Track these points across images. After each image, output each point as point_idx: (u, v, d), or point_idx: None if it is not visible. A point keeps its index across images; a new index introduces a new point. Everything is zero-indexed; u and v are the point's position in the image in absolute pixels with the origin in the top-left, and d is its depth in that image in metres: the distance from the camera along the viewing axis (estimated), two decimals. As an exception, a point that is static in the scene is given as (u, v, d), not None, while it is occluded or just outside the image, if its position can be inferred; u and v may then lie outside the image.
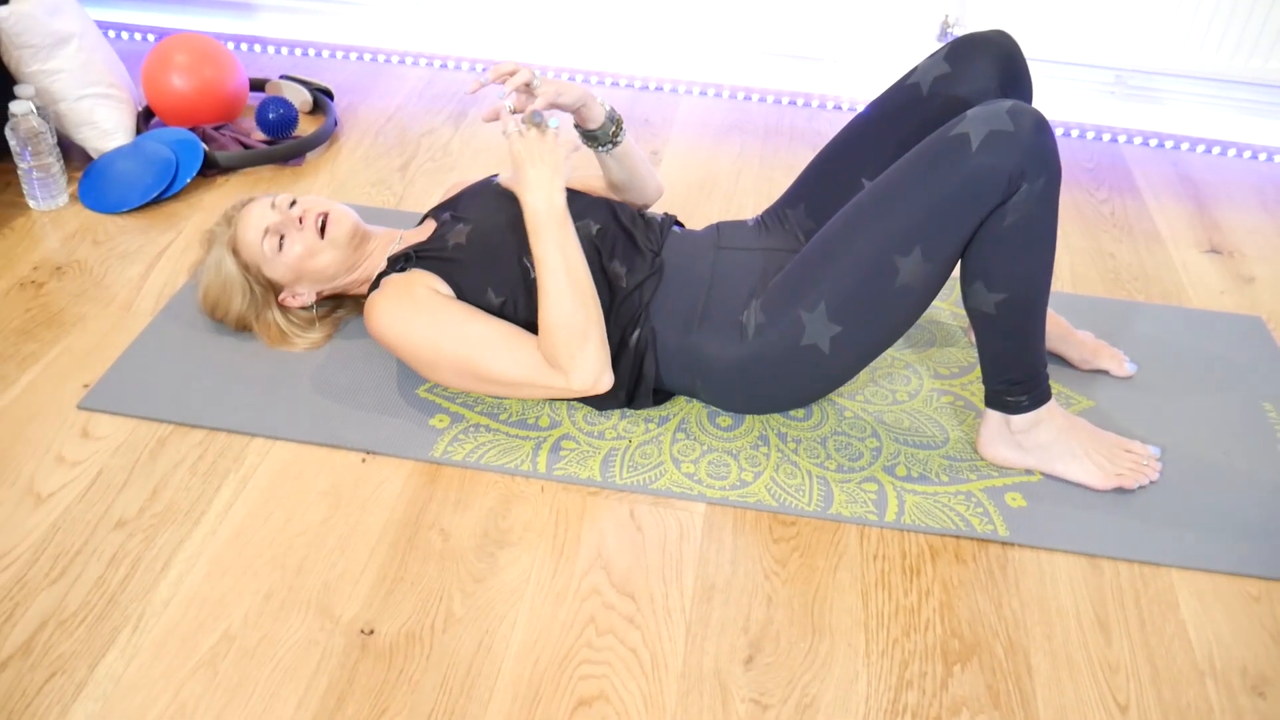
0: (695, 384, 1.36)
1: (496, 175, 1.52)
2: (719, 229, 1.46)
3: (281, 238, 1.40)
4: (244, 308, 1.45)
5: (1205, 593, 1.23)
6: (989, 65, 1.31)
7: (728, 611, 1.18)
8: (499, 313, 1.34)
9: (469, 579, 1.20)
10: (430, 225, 1.49)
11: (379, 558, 1.22)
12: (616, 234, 1.39)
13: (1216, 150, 2.23)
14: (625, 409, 1.43)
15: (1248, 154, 2.22)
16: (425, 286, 1.33)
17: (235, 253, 1.42)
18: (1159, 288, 1.77)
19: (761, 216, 1.48)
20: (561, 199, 1.28)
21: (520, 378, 1.30)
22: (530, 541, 1.25)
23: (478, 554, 1.23)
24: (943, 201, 1.17)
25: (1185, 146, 2.24)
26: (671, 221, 1.48)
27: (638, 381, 1.37)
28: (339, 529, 1.25)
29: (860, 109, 2.01)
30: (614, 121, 1.41)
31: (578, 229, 1.35)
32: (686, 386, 1.38)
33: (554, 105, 1.33)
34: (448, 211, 1.47)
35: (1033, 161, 1.14)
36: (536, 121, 1.30)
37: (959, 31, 2.20)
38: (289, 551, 1.22)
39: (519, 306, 1.34)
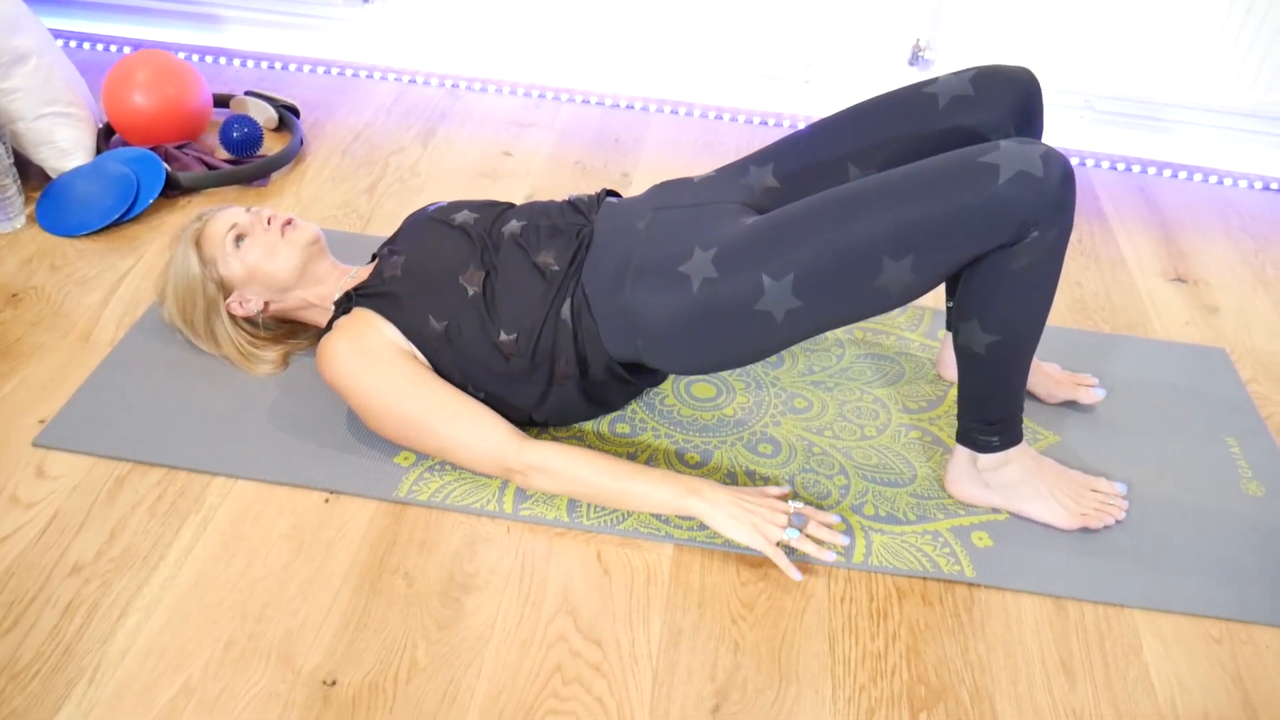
0: (637, 344, 1.32)
1: (432, 204, 1.50)
2: (657, 191, 1.42)
3: (244, 237, 1.43)
4: (201, 309, 1.45)
5: (1168, 635, 1.24)
6: (1010, 100, 1.31)
7: (695, 658, 1.17)
8: (443, 337, 1.33)
9: (433, 626, 1.18)
10: (374, 263, 1.48)
11: (342, 604, 1.20)
12: (538, 227, 1.38)
13: (1183, 175, 2.25)
14: (596, 415, 1.43)
15: (1213, 179, 2.25)
16: (376, 332, 1.33)
17: (198, 246, 1.44)
18: (1125, 318, 1.79)
19: (714, 171, 1.45)
20: (692, 506, 1.27)
21: (474, 459, 1.31)
22: (496, 585, 1.23)
23: (442, 599, 1.21)
24: (952, 220, 1.16)
25: (1152, 171, 2.26)
26: (605, 194, 1.46)
27: (585, 360, 1.34)
28: (301, 574, 1.23)
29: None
30: None
31: (502, 234, 1.37)
32: (630, 350, 1.34)
33: None
34: (386, 246, 1.46)
35: (1050, 212, 1.14)
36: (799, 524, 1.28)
37: (930, 55, 2.21)
38: (250, 598, 1.20)
39: (462, 328, 1.32)
